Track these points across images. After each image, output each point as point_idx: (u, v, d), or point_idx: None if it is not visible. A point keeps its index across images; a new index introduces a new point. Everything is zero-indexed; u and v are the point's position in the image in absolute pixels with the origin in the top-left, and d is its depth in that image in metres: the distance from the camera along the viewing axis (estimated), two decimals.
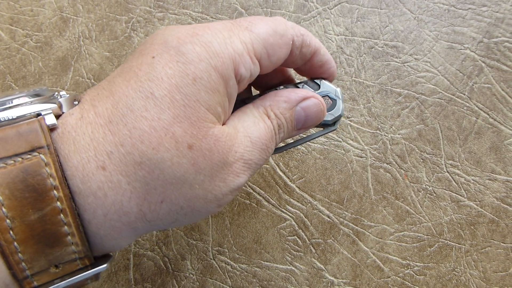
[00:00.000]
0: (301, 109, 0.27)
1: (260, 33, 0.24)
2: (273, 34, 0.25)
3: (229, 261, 0.39)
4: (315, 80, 0.28)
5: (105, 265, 0.22)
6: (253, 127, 0.25)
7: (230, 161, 0.24)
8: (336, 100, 0.28)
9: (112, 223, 0.22)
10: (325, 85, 0.28)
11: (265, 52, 0.24)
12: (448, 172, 0.39)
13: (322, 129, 0.29)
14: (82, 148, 0.21)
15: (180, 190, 0.22)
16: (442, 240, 0.39)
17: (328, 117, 0.28)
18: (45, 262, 0.21)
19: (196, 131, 0.22)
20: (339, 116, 0.29)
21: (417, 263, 0.38)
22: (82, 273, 0.22)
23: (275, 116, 0.26)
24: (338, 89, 0.29)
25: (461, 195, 0.39)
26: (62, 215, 0.20)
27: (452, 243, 0.39)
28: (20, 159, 0.20)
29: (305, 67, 0.28)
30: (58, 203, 0.20)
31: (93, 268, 0.22)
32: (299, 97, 0.27)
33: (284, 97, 0.27)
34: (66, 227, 0.21)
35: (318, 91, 0.28)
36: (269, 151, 0.26)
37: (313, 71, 0.29)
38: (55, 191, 0.20)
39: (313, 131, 0.39)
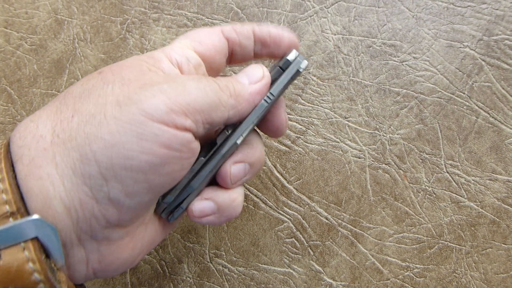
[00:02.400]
0: (239, 73, 0.28)
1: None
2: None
3: (226, 264, 0.39)
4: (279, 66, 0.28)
5: (36, 216, 0.20)
6: None
7: (148, 76, 0.23)
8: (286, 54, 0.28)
9: (30, 153, 0.21)
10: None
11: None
12: (448, 172, 0.39)
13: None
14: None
15: (88, 100, 0.22)
16: (442, 241, 0.38)
17: (290, 56, 0.27)
18: None
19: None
20: (297, 54, 0.28)
21: (417, 265, 0.38)
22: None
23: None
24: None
25: (461, 196, 0.39)
26: None
27: (453, 245, 0.38)
28: None
29: (263, 52, 0.29)
30: None
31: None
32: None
33: None
34: None
35: (279, 64, 0.28)
36: (206, 82, 0.24)
37: (274, 52, 0.29)
38: None
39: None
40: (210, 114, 0.23)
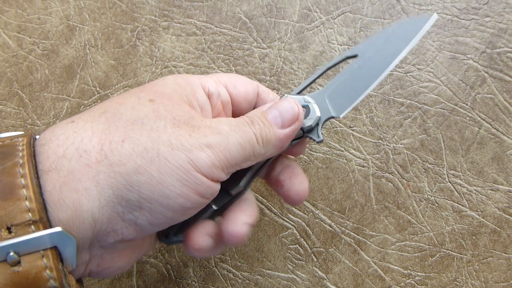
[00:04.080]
0: (271, 107, 0.28)
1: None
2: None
3: (231, 269, 0.39)
4: None
5: (59, 228, 0.21)
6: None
7: (196, 122, 0.25)
8: (308, 105, 0.30)
9: (70, 164, 0.22)
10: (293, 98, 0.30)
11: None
12: (450, 182, 0.40)
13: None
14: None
15: (141, 130, 0.23)
16: (444, 250, 0.39)
17: (308, 122, 0.29)
18: None
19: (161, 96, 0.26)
20: (317, 118, 0.29)
21: (418, 273, 0.39)
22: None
23: (246, 117, 0.27)
24: (306, 96, 0.30)
25: (463, 205, 0.39)
26: (20, 168, 0.21)
27: (454, 253, 0.39)
28: None
29: None
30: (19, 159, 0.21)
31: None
32: (268, 104, 0.29)
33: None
34: (22, 179, 0.21)
35: None
36: (245, 132, 0.25)
37: None
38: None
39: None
40: (241, 165, 0.26)
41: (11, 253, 0.20)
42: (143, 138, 0.23)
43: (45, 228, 0.21)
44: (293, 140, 0.29)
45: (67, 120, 0.24)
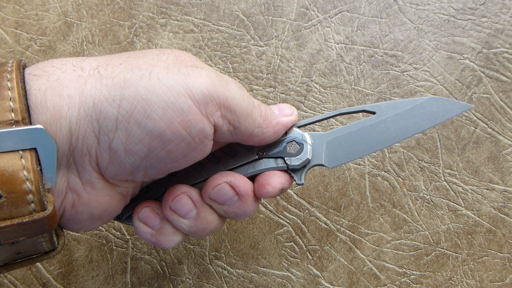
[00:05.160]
0: (271, 106, 0.30)
1: None
2: None
3: (225, 266, 0.39)
4: None
5: (40, 126, 0.20)
6: None
7: (199, 65, 0.25)
8: (303, 144, 0.29)
9: (62, 74, 0.22)
10: (293, 131, 0.29)
11: None
12: (446, 181, 0.40)
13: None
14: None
15: (142, 57, 0.23)
16: (439, 249, 0.39)
17: (295, 161, 0.29)
18: None
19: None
20: (307, 160, 0.29)
21: (413, 272, 0.38)
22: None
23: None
24: (306, 134, 0.29)
25: (458, 204, 0.39)
26: (7, 73, 0.21)
27: (449, 252, 0.39)
28: None
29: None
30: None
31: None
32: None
33: None
34: (8, 82, 0.21)
35: (285, 137, 0.29)
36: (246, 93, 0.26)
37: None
38: None
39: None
40: (239, 118, 0.25)
41: None
42: (140, 62, 0.23)
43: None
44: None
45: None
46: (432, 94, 0.41)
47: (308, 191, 0.40)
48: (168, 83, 0.22)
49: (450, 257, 0.39)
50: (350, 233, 0.39)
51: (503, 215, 0.39)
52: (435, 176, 0.40)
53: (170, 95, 0.22)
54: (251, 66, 0.42)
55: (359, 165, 0.40)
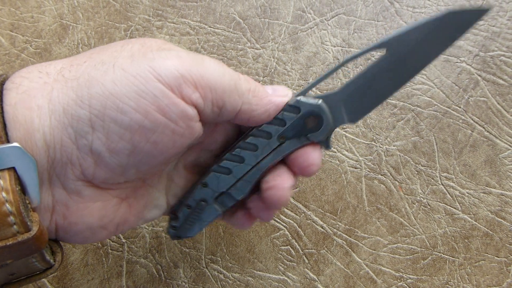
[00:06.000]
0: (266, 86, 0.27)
1: None
2: None
3: (221, 270, 0.39)
4: (292, 104, 0.26)
5: (16, 144, 0.19)
6: None
7: (166, 47, 0.23)
8: (321, 116, 0.26)
9: (29, 83, 0.21)
10: (305, 104, 0.26)
11: None
12: (442, 184, 0.39)
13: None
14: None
15: (106, 50, 0.22)
16: (436, 252, 0.39)
17: (320, 136, 0.27)
18: None
19: None
20: (330, 130, 0.27)
21: (410, 276, 0.38)
22: None
23: None
24: (320, 102, 0.26)
25: (455, 208, 0.39)
26: None
27: (446, 256, 0.39)
28: None
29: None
30: None
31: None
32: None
33: None
34: None
35: (300, 114, 0.26)
36: (228, 68, 0.24)
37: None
38: None
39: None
40: (222, 96, 0.23)
41: None
42: (104, 56, 0.21)
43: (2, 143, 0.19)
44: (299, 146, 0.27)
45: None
46: (429, 98, 0.41)
47: (305, 194, 0.40)
48: (134, 71, 0.20)
49: (447, 261, 0.38)
50: (347, 236, 0.39)
51: (500, 219, 0.39)
52: (432, 180, 0.40)
53: (138, 83, 0.20)
54: (247, 69, 0.42)
55: (355, 168, 0.40)
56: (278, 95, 0.26)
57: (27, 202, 0.20)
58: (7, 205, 0.19)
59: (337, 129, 0.40)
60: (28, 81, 0.21)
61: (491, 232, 0.39)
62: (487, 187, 0.39)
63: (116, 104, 0.20)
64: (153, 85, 0.20)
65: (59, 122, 0.20)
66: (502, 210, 0.39)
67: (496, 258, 0.38)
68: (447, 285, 0.38)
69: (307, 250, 0.39)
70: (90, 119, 0.20)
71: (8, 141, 0.19)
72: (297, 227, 0.39)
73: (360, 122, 0.41)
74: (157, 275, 0.39)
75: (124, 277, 0.39)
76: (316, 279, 0.39)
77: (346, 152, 0.40)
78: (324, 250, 0.39)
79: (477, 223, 0.39)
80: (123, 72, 0.20)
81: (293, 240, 0.39)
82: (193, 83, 0.21)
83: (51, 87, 0.21)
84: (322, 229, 0.39)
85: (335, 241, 0.39)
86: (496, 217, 0.39)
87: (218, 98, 0.23)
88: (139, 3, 0.43)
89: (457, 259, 0.38)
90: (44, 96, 0.20)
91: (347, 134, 0.40)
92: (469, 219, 0.39)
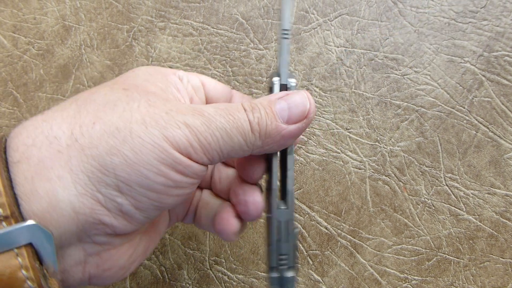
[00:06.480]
0: (281, 98, 0.25)
1: None
2: None
3: (226, 271, 0.39)
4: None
5: (31, 221, 0.19)
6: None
7: (174, 103, 0.23)
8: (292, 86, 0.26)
9: (41, 153, 0.20)
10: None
11: None
12: (447, 185, 0.39)
13: None
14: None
15: (113, 112, 0.22)
16: (441, 254, 0.38)
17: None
18: None
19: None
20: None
21: (415, 277, 0.38)
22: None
23: (246, 103, 0.25)
24: (292, 80, 0.26)
25: (460, 209, 0.39)
26: None
27: (451, 257, 0.38)
28: None
29: None
30: None
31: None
32: (278, 94, 0.25)
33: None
34: None
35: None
36: (235, 119, 0.23)
37: None
38: None
39: None
40: (230, 154, 0.24)
41: None
42: (115, 119, 0.21)
43: (17, 223, 0.19)
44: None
45: (37, 114, 0.23)
46: (433, 98, 0.40)
47: (309, 195, 0.40)
48: (151, 140, 0.21)
49: (452, 262, 0.38)
50: (351, 238, 0.39)
51: (505, 220, 0.39)
52: (436, 181, 0.39)
53: (157, 152, 0.21)
54: (250, 70, 0.42)
55: (359, 169, 0.40)
56: (295, 120, 0.24)
57: (45, 271, 0.20)
58: (29, 282, 0.19)
59: (341, 130, 0.40)
60: (36, 149, 0.21)
61: (496, 233, 0.38)
62: (491, 188, 0.39)
63: (140, 171, 0.21)
64: (171, 153, 0.21)
65: (86, 190, 0.21)
66: (507, 211, 0.39)
67: (501, 259, 0.38)
68: (452, 287, 0.38)
69: (311, 251, 0.39)
70: (117, 184, 0.21)
71: (22, 217, 0.19)
72: (301, 228, 0.39)
73: (364, 123, 0.40)
74: (161, 277, 0.39)
75: (128, 279, 0.39)
76: (321, 280, 0.39)
77: (350, 153, 0.40)
78: (328, 251, 0.39)
79: (481, 224, 0.39)
80: (141, 141, 0.21)
81: (297, 242, 0.39)
82: (202, 151, 0.22)
83: (67, 156, 0.21)
84: (326, 230, 0.39)
85: (339, 242, 0.39)
86: (501, 218, 0.39)
87: (226, 156, 0.24)
88: (142, 4, 0.43)
89: (462, 260, 0.38)
90: (62, 166, 0.20)
91: (351, 135, 0.40)
92: (474, 220, 0.39)
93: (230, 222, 0.27)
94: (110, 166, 0.21)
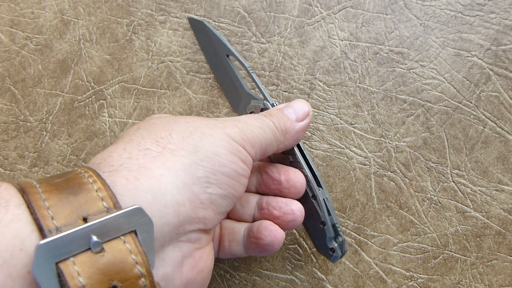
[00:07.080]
0: (285, 106, 0.33)
1: None
2: None
3: (228, 269, 0.38)
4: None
5: (136, 206, 0.21)
6: None
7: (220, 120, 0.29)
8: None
9: (138, 161, 0.24)
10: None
11: None
12: (453, 181, 0.38)
13: None
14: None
15: (178, 124, 0.27)
16: (447, 251, 0.38)
17: None
18: (70, 210, 0.20)
19: None
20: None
21: (421, 275, 0.37)
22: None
23: (265, 112, 0.32)
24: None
25: (467, 206, 0.38)
26: (85, 173, 0.22)
27: (457, 255, 0.38)
28: None
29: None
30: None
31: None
32: (281, 105, 0.34)
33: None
34: (88, 178, 0.22)
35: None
36: (263, 121, 0.30)
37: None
38: None
39: None
40: (266, 149, 0.29)
41: (94, 238, 0.19)
42: (183, 127, 0.26)
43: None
44: None
45: (110, 146, 0.26)
46: (439, 93, 0.40)
47: None
48: (220, 136, 0.26)
49: (459, 260, 0.38)
50: (356, 235, 0.38)
51: None
52: (443, 177, 0.39)
53: (226, 144, 0.26)
54: (253, 64, 0.41)
55: (364, 165, 0.39)
56: (301, 119, 0.32)
57: (157, 283, 0.21)
58: (138, 267, 0.20)
59: (346, 125, 0.40)
60: (134, 160, 0.24)
61: (503, 231, 0.38)
62: (499, 185, 0.38)
63: (219, 161, 0.25)
64: (234, 144, 0.26)
65: (184, 183, 0.24)
66: None
67: (509, 257, 0.37)
68: (459, 285, 0.37)
69: (315, 249, 0.38)
70: (206, 176, 0.25)
71: (121, 208, 0.21)
72: None
73: (368, 118, 0.40)
74: None
75: None
76: (325, 278, 0.38)
77: (354, 149, 0.39)
78: None
79: (489, 221, 0.38)
80: (214, 138, 0.26)
81: (301, 239, 0.38)
82: (250, 143, 0.28)
83: (163, 159, 0.24)
84: None
85: None
86: (508, 215, 0.38)
87: (263, 151, 0.29)
88: None
89: (469, 258, 0.38)
90: (161, 167, 0.23)
91: (355, 130, 0.40)
92: (481, 217, 0.38)
93: (278, 231, 0.30)
94: (198, 160, 0.25)
